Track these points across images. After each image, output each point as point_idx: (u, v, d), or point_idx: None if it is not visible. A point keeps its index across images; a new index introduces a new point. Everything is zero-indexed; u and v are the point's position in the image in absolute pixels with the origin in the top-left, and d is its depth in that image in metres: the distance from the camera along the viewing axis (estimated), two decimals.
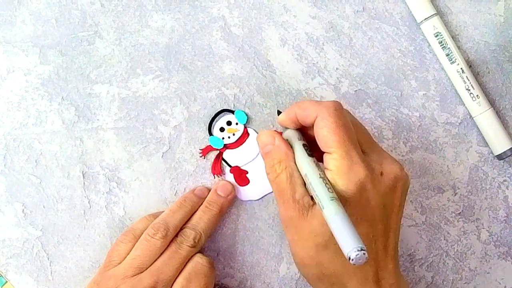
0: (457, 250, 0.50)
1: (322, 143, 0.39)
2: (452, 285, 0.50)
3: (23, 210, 0.48)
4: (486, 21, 0.51)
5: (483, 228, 0.51)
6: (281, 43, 0.50)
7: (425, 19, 0.50)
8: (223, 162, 0.49)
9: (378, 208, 0.40)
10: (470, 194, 0.51)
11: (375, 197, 0.39)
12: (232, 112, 0.49)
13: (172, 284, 0.43)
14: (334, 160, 0.39)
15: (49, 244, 0.48)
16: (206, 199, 0.48)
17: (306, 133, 0.43)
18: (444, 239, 0.50)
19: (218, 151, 0.49)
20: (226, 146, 0.49)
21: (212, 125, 0.49)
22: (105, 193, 0.49)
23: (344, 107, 0.42)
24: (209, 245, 0.49)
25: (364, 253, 0.33)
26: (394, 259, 0.42)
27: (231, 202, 0.48)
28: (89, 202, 0.49)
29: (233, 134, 0.49)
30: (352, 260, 0.33)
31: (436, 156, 0.51)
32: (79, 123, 0.49)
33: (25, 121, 0.49)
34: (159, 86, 0.49)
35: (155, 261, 0.43)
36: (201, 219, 0.46)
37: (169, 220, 0.45)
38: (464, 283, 0.50)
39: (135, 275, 0.43)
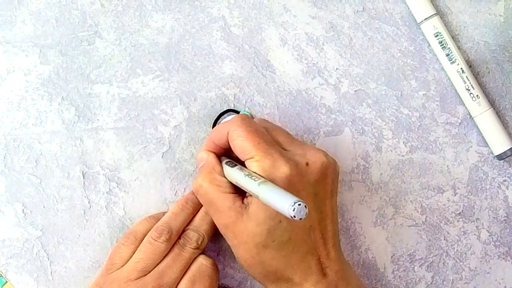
0: (457, 250, 0.50)
1: (240, 153, 0.41)
2: (452, 285, 0.50)
3: (23, 210, 0.48)
4: (486, 21, 0.51)
5: (483, 228, 0.51)
6: (281, 43, 0.50)
7: (425, 19, 0.50)
8: None
9: (309, 197, 0.41)
10: (470, 194, 0.51)
11: (305, 188, 0.41)
12: (237, 112, 0.49)
13: (176, 287, 0.43)
14: (255, 162, 0.40)
15: (49, 244, 0.48)
16: None
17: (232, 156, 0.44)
18: (444, 239, 0.50)
19: None
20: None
21: (217, 124, 0.49)
22: (105, 193, 0.49)
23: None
24: (209, 245, 0.49)
25: (300, 204, 0.33)
26: (335, 246, 0.43)
27: None
28: (89, 202, 0.49)
29: None
30: (295, 216, 0.33)
31: (436, 156, 0.51)
32: (79, 123, 0.49)
33: (25, 121, 0.49)
34: (159, 86, 0.49)
35: (158, 264, 0.43)
36: (204, 220, 0.46)
37: (172, 222, 0.45)
38: (464, 283, 0.50)
39: (139, 278, 0.42)
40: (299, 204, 0.33)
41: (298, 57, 0.50)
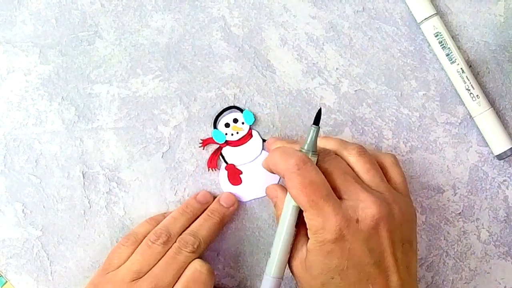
0: (457, 250, 0.50)
1: (296, 202, 0.41)
2: (452, 285, 0.50)
3: (23, 210, 0.48)
4: (486, 21, 0.51)
5: (483, 228, 0.51)
6: (281, 43, 0.50)
7: (425, 19, 0.49)
8: (220, 157, 0.49)
9: (363, 254, 0.40)
10: (470, 194, 0.51)
11: (357, 245, 0.40)
12: (241, 110, 0.49)
13: None
14: (308, 219, 0.40)
15: (49, 244, 0.48)
16: (209, 207, 0.48)
17: None
18: (444, 239, 0.50)
19: (218, 146, 0.49)
20: (227, 143, 0.49)
21: (218, 119, 0.49)
22: (105, 193, 0.49)
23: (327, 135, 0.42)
24: (209, 245, 0.49)
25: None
26: None
27: (233, 213, 0.49)
28: (89, 202, 0.49)
29: (237, 133, 0.49)
30: None
31: (436, 156, 0.51)
32: (79, 123, 0.49)
33: (25, 121, 0.49)
34: (159, 86, 0.49)
35: (153, 267, 0.43)
36: (202, 226, 0.46)
37: (171, 226, 0.45)
38: (464, 283, 0.50)
39: (134, 280, 0.42)
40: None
41: (298, 57, 0.50)
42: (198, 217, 0.47)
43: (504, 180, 0.51)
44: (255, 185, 0.49)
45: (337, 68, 0.50)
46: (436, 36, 0.49)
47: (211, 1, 0.50)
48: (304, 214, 0.40)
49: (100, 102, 0.49)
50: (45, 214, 0.48)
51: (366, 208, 0.40)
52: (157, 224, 0.46)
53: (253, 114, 0.49)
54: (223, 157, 0.49)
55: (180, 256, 0.44)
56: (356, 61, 0.51)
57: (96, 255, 0.48)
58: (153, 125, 0.49)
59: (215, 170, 0.49)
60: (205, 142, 0.49)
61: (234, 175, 0.49)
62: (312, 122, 0.42)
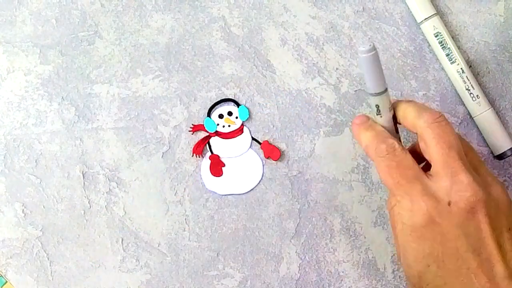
0: None
1: (384, 184, 0.40)
2: None
3: (23, 210, 0.48)
4: (486, 21, 0.51)
5: None
6: (281, 43, 0.50)
7: (425, 19, 0.49)
8: (207, 146, 0.49)
9: (458, 240, 0.37)
10: None
11: (450, 230, 0.37)
12: (238, 105, 0.49)
13: None
14: (395, 202, 0.39)
15: (49, 244, 0.48)
16: None
17: None
18: None
19: (207, 134, 0.49)
20: (217, 133, 0.49)
21: (214, 108, 0.49)
22: (105, 193, 0.49)
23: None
24: (209, 245, 0.49)
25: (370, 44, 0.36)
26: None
27: None
28: (89, 202, 0.49)
29: (229, 126, 0.49)
30: (360, 47, 0.36)
31: None
32: (79, 123, 0.49)
33: (25, 121, 0.49)
34: (159, 86, 0.49)
35: None
36: None
37: None
38: None
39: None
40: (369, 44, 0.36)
41: (298, 57, 0.50)
42: None
43: (504, 180, 0.51)
44: (235, 181, 0.49)
45: (337, 68, 0.50)
46: (436, 36, 0.49)
47: (211, 1, 0.50)
48: (391, 199, 0.39)
49: (100, 102, 0.49)
50: (45, 214, 0.48)
51: (460, 190, 0.38)
52: None
53: (249, 111, 0.49)
54: (209, 147, 0.49)
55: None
56: (356, 61, 0.51)
57: (96, 255, 0.48)
58: (153, 125, 0.49)
59: (199, 157, 0.49)
60: (195, 128, 0.49)
61: (217, 166, 0.49)
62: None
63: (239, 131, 0.49)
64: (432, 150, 0.39)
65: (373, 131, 0.41)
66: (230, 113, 0.49)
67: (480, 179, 0.39)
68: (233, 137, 0.49)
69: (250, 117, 0.49)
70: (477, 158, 0.41)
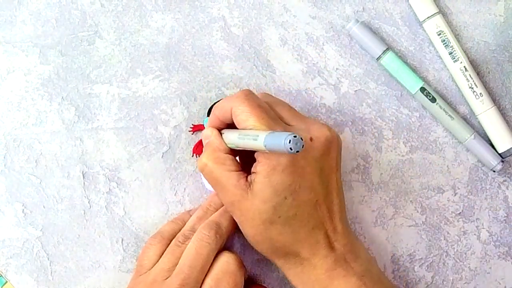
0: (457, 250, 0.50)
1: (244, 127, 0.41)
2: (452, 285, 0.50)
3: (23, 210, 0.48)
4: (486, 21, 0.51)
5: (483, 228, 0.51)
6: (281, 43, 0.50)
7: (428, 17, 0.49)
8: None
9: (315, 173, 0.41)
10: (470, 194, 0.51)
11: (310, 163, 0.41)
12: None
13: (201, 285, 0.42)
14: None
15: (49, 244, 0.48)
16: None
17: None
18: (444, 239, 0.50)
19: None
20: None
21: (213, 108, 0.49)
22: (105, 193, 0.49)
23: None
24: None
25: (295, 136, 0.34)
26: (342, 219, 0.43)
27: None
28: (89, 202, 0.49)
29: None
30: (291, 148, 0.34)
31: (436, 156, 0.50)
32: (79, 123, 0.49)
33: (25, 121, 0.49)
34: (159, 86, 0.49)
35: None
36: (222, 216, 0.45)
37: (197, 226, 0.45)
38: (464, 283, 0.50)
39: (165, 279, 0.42)
40: (294, 136, 0.34)
41: (298, 57, 0.50)
42: None
43: (504, 180, 0.51)
44: None
45: (337, 68, 0.50)
46: (439, 34, 0.49)
47: (211, 1, 0.50)
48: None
49: (100, 102, 0.49)
50: (45, 214, 0.48)
51: (319, 128, 0.42)
52: (182, 223, 0.46)
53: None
54: None
55: (204, 249, 0.43)
56: (356, 61, 0.51)
57: (96, 255, 0.48)
58: (153, 125, 0.49)
59: (199, 156, 0.49)
60: (195, 128, 0.49)
61: None
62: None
63: None
64: (275, 111, 0.43)
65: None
66: None
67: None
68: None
69: None
70: (294, 111, 0.45)
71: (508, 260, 0.51)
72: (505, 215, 0.51)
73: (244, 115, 0.41)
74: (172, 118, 0.49)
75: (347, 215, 0.45)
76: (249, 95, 0.42)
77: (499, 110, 0.50)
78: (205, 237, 0.43)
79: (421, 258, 0.50)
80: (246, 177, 0.42)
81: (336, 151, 0.43)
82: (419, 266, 0.50)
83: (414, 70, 0.50)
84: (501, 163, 0.49)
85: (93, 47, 0.49)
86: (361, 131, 0.50)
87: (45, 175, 0.48)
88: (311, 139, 0.41)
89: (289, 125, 0.43)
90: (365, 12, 0.51)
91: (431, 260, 0.50)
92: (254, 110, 0.40)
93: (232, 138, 0.42)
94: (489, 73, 0.51)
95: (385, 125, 0.50)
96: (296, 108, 0.50)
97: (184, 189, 0.49)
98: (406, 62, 0.50)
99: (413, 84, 0.49)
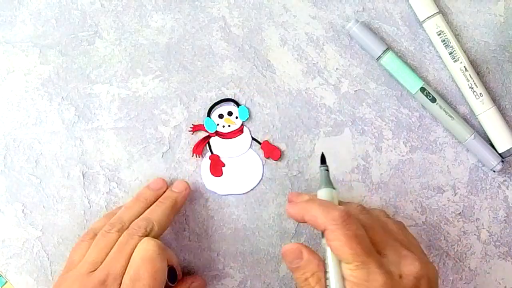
0: (457, 250, 0.50)
1: (336, 255, 0.39)
2: (452, 285, 0.50)
3: (23, 210, 0.48)
4: (486, 21, 0.51)
5: (483, 228, 0.51)
6: (281, 43, 0.50)
7: (428, 17, 0.49)
8: (207, 146, 0.49)
9: None
10: (470, 194, 0.51)
11: None
12: (238, 105, 0.49)
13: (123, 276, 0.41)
14: (350, 270, 0.39)
15: (49, 244, 0.48)
16: (161, 196, 0.47)
17: None
18: (444, 239, 0.50)
19: (207, 134, 0.49)
20: (217, 133, 0.49)
21: (214, 108, 0.49)
22: (105, 193, 0.49)
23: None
24: (209, 245, 0.49)
25: None
26: None
27: (186, 197, 0.48)
28: (89, 202, 0.49)
29: (229, 126, 0.49)
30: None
31: (436, 156, 0.50)
32: (79, 123, 0.49)
33: (25, 121, 0.49)
34: (159, 86, 0.49)
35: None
36: (154, 211, 0.45)
37: (124, 215, 0.45)
38: (464, 283, 0.50)
39: (91, 272, 0.41)
40: None
41: (298, 57, 0.50)
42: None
43: (504, 180, 0.51)
44: (235, 181, 0.49)
45: (337, 68, 0.50)
46: (439, 34, 0.49)
47: (211, 1, 0.50)
48: (345, 266, 0.39)
49: (100, 102, 0.49)
50: (45, 214, 0.48)
51: (409, 264, 0.40)
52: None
53: (248, 111, 0.49)
54: (209, 147, 0.49)
55: (132, 241, 0.42)
56: (356, 61, 0.51)
57: None
58: (153, 125, 0.49)
59: (199, 157, 0.49)
60: (196, 128, 0.49)
61: (217, 166, 0.49)
62: (320, 163, 0.43)
63: (239, 131, 0.49)
64: (370, 234, 0.40)
65: (317, 200, 0.42)
66: (230, 113, 0.49)
67: (420, 256, 0.41)
68: (233, 137, 0.49)
69: (250, 117, 0.49)
70: (411, 237, 0.43)
71: (508, 260, 0.51)
72: (505, 215, 0.51)
73: (338, 243, 0.39)
74: (172, 118, 0.49)
75: None
76: (346, 220, 0.39)
77: (499, 110, 0.50)
78: (134, 231, 0.43)
79: None
80: None
81: (426, 287, 0.40)
82: None
83: (414, 70, 0.50)
84: (501, 163, 0.49)
85: (93, 47, 0.49)
86: (361, 131, 0.50)
87: (45, 175, 0.48)
88: (400, 276, 0.39)
89: (380, 253, 0.40)
90: (365, 12, 0.51)
91: (431, 260, 0.50)
92: (349, 241, 0.38)
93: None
94: (489, 73, 0.51)
95: (385, 125, 0.50)
96: (296, 108, 0.50)
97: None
98: (406, 62, 0.50)
99: (413, 84, 0.49)
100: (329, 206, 0.40)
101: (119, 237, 0.43)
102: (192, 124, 0.49)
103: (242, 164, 0.49)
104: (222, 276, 0.49)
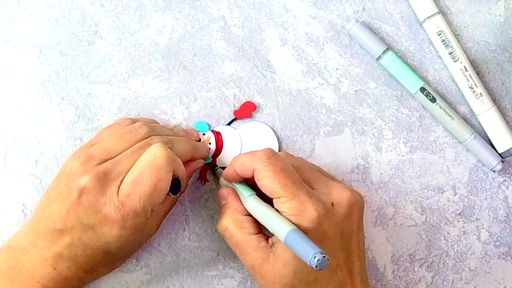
0: (457, 250, 0.50)
1: (267, 192, 0.41)
2: (452, 285, 0.50)
3: (23, 210, 0.48)
4: (486, 21, 0.51)
5: (483, 228, 0.51)
6: (281, 43, 0.50)
7: (428, 17, 0.50)
8: (210, 171, 0.49)
9: (335, 238, 0.41)
10: (470, 194, 0.51)
11: (331, 228, 0.40)
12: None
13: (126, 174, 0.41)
14: (282, 203, 0.40)
15: None
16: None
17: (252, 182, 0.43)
18: (444, 239, 0.50)
19: (206, 162, 0.48)
20: (214, 156, 0.49)
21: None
22: None
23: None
24: (209, 245, 0.49)
25: (324, 256, 0.35)
26: (363, 281, 0.43)
27: (196, 167, 0.47)
28: None
29: (209, 143, 0.49)
30: (317, 266, 0.35)
31: (436, 156, 0.51)
32: (79, 123, 0.49)
33: (25, 121, 0.49)
34: (159, 86, 0.49)
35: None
36: (179, 141, 0.44)
37: (157, 128, 0.45)
38: (464, 283, 0.50)
39: (101, 162, 0.41)
40: (323, 256, 0.35)
41: (298, 57, 0.50)
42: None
43: (504, 180, 0.51)
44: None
45: (337, 68, 0.50)
46: (439, 34, 0.49)
47: (211, 1, 0.50)
48: (277, 201, 0.40)
49: (100, 102, 0.49)
50: None
51: (340, 192, 0.42)
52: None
53: (203, 122, 0.49)
54: (212, 168, 0.49)
55: (144, 144, 0.42)
56: (356, 61, 0.51)
57: None
58: None
59: (207, 182, 0.49)
60: (203, 175, 0.49)
61: (204, 173, 0.49)
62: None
63: (219, 137, 0.49)
64: (298, 172, 0.42)
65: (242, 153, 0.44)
66: (203, 134, 0.49)
67: (348, 187, 0.43)
68: (222, 145, 0.49)
69: (249, 117, 0.49)
70: (317, 173, 0.44)
71: (508, 260, 0.51)
72: (505, 215, 0.51)
73: (267, 180, 0.40)
74: (172, 118, 0.49)
75: (367, 275, 0.44)
76: (272, 157, 0.41)
77: (499, 110, 0.50)
78: (155, 141, 0.42)
79: (421, 258, 0.50)
80: (267, 238, 0.41)
81: (357, 214, 0.42)
82: (419, 266, 0.50)
83: (414, 70, 0.50)
84: (501, 163, 0.49)
85: (93, 47, 0.49)
86: (361, 131, 0.50)
87: (45, 175, 0.48)
88: (332, 204, 0.41)
89: (312, 187, 0.42)
90: (365, 12, 0.51)
91: (431, 260, 0.50)
92: (278, 175, 0.40)
93: (251, 209, 0.42)
94: (489, 73, 0.51)
95: (385, 125, 0.50)
96: (296, 108, 0.50)
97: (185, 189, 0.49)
98: (406, 62, 0.50)
99: (413, 84, 0.49)
100: (253, 152, 0.42)
101: (143, 139, 0.42)
102: (198, 177, 0.48)
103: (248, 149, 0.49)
104: (222, 276, 0.49)
